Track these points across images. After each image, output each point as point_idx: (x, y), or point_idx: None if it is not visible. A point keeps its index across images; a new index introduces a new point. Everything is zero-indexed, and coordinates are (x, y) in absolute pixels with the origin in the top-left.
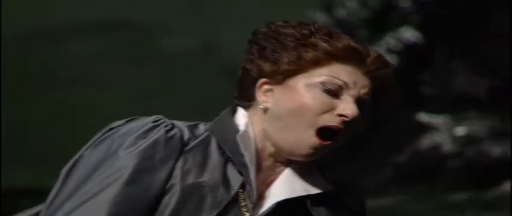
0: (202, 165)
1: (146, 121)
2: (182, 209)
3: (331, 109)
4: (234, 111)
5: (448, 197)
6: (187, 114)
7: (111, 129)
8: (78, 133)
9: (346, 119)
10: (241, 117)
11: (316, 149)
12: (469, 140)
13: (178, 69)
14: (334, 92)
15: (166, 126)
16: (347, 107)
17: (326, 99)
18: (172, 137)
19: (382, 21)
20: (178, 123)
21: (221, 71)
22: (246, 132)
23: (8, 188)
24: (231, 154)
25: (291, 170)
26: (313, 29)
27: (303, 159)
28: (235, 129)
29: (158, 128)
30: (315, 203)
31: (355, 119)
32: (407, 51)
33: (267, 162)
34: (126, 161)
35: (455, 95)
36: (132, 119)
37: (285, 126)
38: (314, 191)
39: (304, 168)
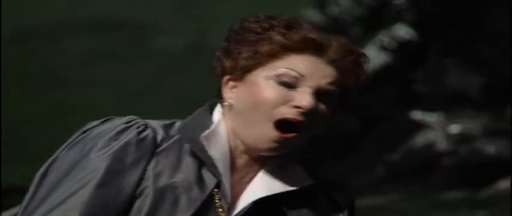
0: (176, 166)
1: (119, 122)
2: (156, 211)
3: (287, 101)
4: (212, 108)
5: (442, 195)
6: (183, 112)
7: (85, 131)
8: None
9: (302, 110)
10: (216, 114)
11: (279, 142)
12: (463, 138)
13: (171, 67)
14: (291, 84)
15: (138, 127)
16: (302, 98)
17: (282, 91)
18: (144, 138)
19: (375, 19)
20: (153, 123)
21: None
22: (213, 131)
23: (7, 186)
24: (199, 154)
25: (268, 167)
26: (274, 23)
27: (270, 154)
28: (204, 127)
29: (130, 130)
30: (295, 200)
31: (315, 110)
32: (401, 48)
33: (241, 160)
34: (98, 163)
35: (449, 93)
36: (107, 120)
37: (246, 121)
38: (293, 187)
39: (284, 165)
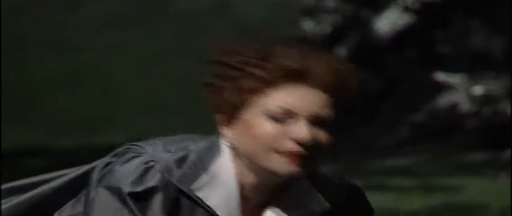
0: (185, 209)
1: (138, 163)
2: None
3: (283, 135)
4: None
5: (465, 157)
6: (198, 75)
7: (105, 166)
8: (88, 96)
9: (301, 143)
10: (226, 149)
11: (295, 163)
12: (486, 100)
13: (191, 29)
14: (283, 118)
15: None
16: (298, 131)
17: (276, 126)
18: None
19: None
20: (165, 161)
21: (234, 31)
22: (213, 176)
23: (15, 148)
24: (199, 206)
25: (283, 196)
26: (250, 55)
27: (289, 178)
28: (203, 174)
29: (151, 175)
30: None
31: (314, 138)
32: (424, 9)
33: (253, 193)
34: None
35: (473, 54)
36: (126, 160)
37: (255, 159)
38: (308, 211)
39: (297, 192)
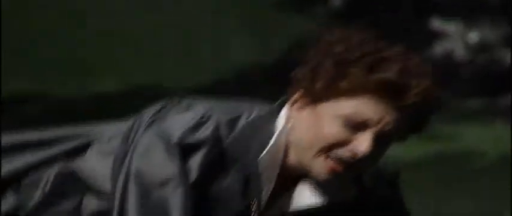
0: (225, 171)
1: (194, 116)
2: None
3: (345, 143)
4: (282, 105)
5: (461, 104)
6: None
7: (157, 112)
8: (88, 38)
9: (356, 156)
10: (281, 120)
11: (332, 174)
12: (482, 47)
13: None
14: (356, 127)
15: (208, 124)
16: (361, 144)
17: (344, 133)
18: (211, 138)
19: None
20: (219, 116)
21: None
22: (273, 148)
23: (18, 93)
24: (249, 170)
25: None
26: (357, 55)
27: (322, 180)
28: (264, 143)
29: (204, 128)
30: (331, 212)
31: (370, 153)
32: None
33: (290, 170)
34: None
35: (468, 1)
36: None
37: (303, 148)
38: (329, 200)
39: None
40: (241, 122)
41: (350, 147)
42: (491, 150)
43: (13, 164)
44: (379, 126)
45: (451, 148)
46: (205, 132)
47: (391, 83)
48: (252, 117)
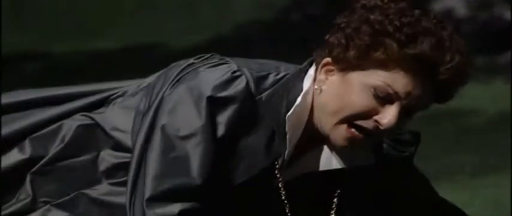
0: (252, 127)
1: (227, 70)
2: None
3: (371, 113)
4: (310, 66)
5: None
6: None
7: (187, 66)
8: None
9: (380, 127)
10: (308, 80)
11: (349, 141)
12: (482, 4)
13: None
14: (384, 98)
15: (240, 81)
16: (387, 116)
17: (371, 103)
18: (241, 92)
19: None
20: (248, 73)
21: None
22: (298, 106)
23: (18, 51)
24: (276, 128)
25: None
26: (398, 24)
27: (339, 148)
28: (291, 101)
29: (237, 82)
30: (352, 176)
31: (394, 125)
32: None
33: (312, 132)
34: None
35: None
36: (211, 64)
37: (327, 113)
38: (351, 164)
39: None
40: (270, 80)
41: (375, 118)
42: (490, 107)
43: (30, 118)
44: (408, 100)
45: (450, 105)
46: (237, 87)
47: (425, 58)
48: (280, 75)
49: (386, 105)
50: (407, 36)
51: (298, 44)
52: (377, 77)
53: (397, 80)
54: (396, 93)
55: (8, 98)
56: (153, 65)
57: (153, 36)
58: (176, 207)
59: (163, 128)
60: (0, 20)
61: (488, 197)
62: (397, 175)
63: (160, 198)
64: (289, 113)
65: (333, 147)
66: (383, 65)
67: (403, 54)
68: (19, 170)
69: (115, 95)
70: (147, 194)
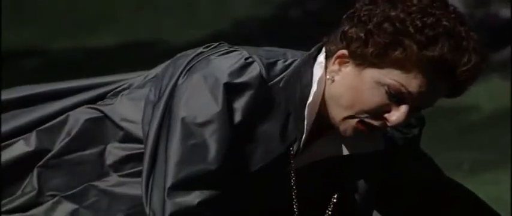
0: (266, 113)
1: (239, 57)
2: (231, 154)
3: (381, 110)
4: (318, 53)
5: None
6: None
7: (198, 54)
8: None
9: (388, 124)
10: (318, 69)
11: (359, 134)
12: (478, 2)
13: None
14: (396, 97)
15: (253, 68)
16: (397, 116)
17: (384, 101)
18: (255, 78)
19: None
20: (259, 60)
21: None
22: (316, 95)
23: (18, 47)
24: (294, 114)
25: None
26: (419, 24)
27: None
28: (308, 88)
29: (250, 69)
30: (362, 162)
31: (400, 124)
32: None
33: (321, 119)
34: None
35: None
36: (223, 51)
37: (340, 106)
38: (361, 150)
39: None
40: (279, 66)
41: (385, 115)
42: (486, 105)
43: (36, 112)
44: (420, 100)
45: (446, 102)
46: (251, 73)
47: (443, 61)
48: (289, 62)
49: (398, 103)
50: (428, 38)
51: (298, 40)
52: (392, 76)
53: (412, 81)
54: (409, 93)
55: (8, 94)
56: (152, 62)
57: (153, 33)
58: (195, 197)
59: (183, 117)
60: (0, 17)
61: (487, 194)
62: (404, 158)
63: (181, 186)
64: (309, 100)
65: (341, 134)
66: (400, 65)
67: (421, 56)
68: (23, 163)
69: (121, 88)
70: (169, 182)
